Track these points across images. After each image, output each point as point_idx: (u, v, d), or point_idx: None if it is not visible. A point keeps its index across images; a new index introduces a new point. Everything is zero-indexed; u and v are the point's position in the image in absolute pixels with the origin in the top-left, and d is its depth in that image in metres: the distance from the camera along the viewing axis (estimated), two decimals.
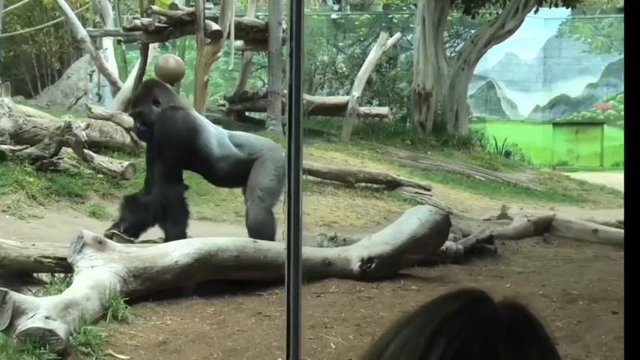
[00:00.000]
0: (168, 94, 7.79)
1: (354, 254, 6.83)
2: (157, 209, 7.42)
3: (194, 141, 7.47)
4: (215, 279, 6.30)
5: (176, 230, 7.19)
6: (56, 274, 6.21)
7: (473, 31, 20.87)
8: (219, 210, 10.26)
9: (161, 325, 5.50)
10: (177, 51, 18.95)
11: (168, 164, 7.44)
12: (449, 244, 7.64)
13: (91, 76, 20.49)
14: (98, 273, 5.67)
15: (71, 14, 15.60)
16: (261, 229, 7.21)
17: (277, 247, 6.35)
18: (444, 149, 17.64)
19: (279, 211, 6.89)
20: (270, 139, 8.37)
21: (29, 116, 10.74)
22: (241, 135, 8.12)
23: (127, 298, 5.61)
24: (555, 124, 23.61)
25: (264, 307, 5.99)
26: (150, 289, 5.92)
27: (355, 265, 6.73)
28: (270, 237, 7.09)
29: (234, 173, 7.62)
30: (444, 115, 18.93)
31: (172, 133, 7.42)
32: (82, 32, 15.13)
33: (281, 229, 6.64)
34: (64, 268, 6.04)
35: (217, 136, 7.62)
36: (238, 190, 11.26)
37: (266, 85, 17.74)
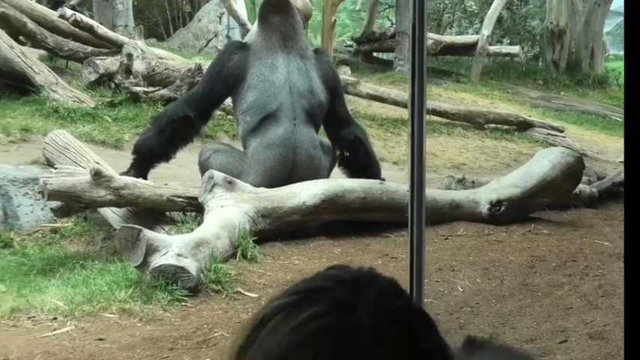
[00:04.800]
0: (257, 24, 6.98)
1: (483, 197, 6.73)
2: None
3: (231, 86, 6.69)
4: (342, 220, 6.33)
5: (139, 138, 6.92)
6: (187, 213, 6.35)
7: None
8: None
9: (289, 265, 5.57)
10: None
11: (198, 89, 6.97)
12: (582, 187, 7.43)
13: (220, 18, 20.69)
14: (228, 212, 5.78)
15: None
16: None
17: (404, 188, 6.31)
18: (578, 89, 17.12)
19: (404, 153, 6.78)
20: None
21: (161, 58, 10.96)
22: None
23: (256, 238, 5.70)
24: None
25: (391, 248, 5.99)
26: (278, 228, 5.99)
27: (484, 208, 6.64)
28: None
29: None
30: (579, 53, 18.34)
31: (214, 63, 6.95)
32: None
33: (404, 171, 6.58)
34: (195, 207, 6.17)
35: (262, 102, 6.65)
36: (372, 131, 11.26)
37: (394, 25, 17.55)
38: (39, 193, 6.39)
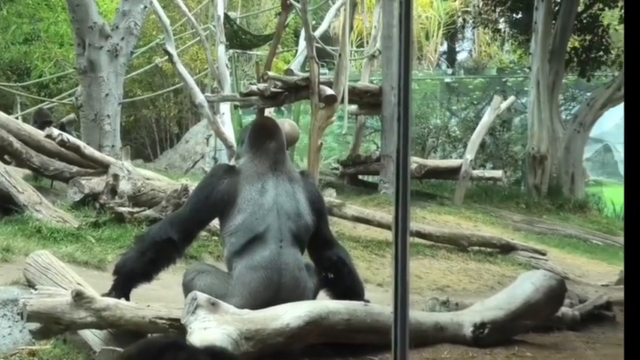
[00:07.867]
0: (247, 148, 6.88)
1: (467, 319, 6.70)
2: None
3: (220, 209, 6.60)
4: (326, 342, 6.27)
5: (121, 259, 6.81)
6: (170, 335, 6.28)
7: (589, 94, 20.54)
8: None
9: None
10: (292, 115, 19.30)
11: (184, 210, 6.81)
12: (565, 309, 7.43)
13: (208, 140, 20.95)
14: (211, 334, 5.72)
15: (190, 80, 16.06)
16: None
17: (388, 310, 6.27)
18: (559, 213, 17.28)
19: (388, 275, 6.77)
20: None
21: (147, 179, 11.02)
22: None
23: None
24: None
25: None
26: (261, 351, 5.92)
27: (468, 331, 6.60)
28: None
29: None
30: (560, 178, 18.61)
31: (202, 186, 6.81)
32: (200, 97, 15.53)
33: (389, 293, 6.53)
34: (177, 328, 6.10)
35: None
36: (357, 252, 11.28)
37: (379, 149, 17.81)
38: (18, 314, 6.32)
